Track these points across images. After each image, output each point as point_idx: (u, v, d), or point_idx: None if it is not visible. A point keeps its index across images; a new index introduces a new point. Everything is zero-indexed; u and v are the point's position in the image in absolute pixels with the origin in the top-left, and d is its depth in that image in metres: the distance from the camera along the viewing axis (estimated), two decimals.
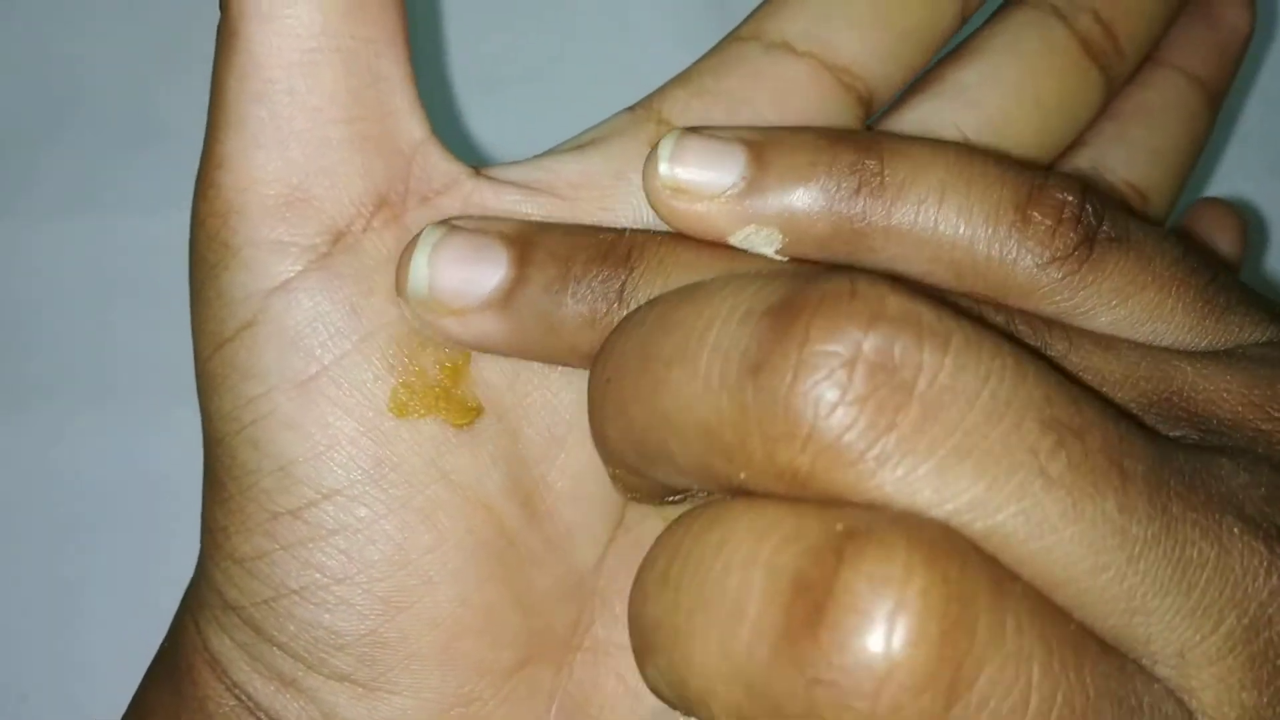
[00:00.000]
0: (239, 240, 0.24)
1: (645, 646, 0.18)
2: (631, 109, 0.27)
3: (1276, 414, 0.21)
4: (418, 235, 0.24)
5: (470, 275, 0.24)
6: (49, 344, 0.40)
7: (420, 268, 0.24)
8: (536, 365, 0.25)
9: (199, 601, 0.26)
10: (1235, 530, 0.18)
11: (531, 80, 0.41)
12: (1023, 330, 0.23)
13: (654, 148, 0.24)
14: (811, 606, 0.16)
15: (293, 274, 0.24)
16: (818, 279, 0.18)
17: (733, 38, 0.27)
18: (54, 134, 0.41)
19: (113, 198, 0.40)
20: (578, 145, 0.26)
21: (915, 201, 0.23)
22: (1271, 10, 0.43)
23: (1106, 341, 0.23)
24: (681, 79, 0.27)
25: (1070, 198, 0.23)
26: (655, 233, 0.25)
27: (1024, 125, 0.28)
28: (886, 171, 0.24)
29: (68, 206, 0.41)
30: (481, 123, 0.41)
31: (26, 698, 0.37)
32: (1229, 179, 0.42)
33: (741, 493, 0.18)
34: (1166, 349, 0.23)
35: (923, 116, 0.28)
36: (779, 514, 0.17)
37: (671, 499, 0.22)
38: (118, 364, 0.40)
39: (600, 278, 0.24)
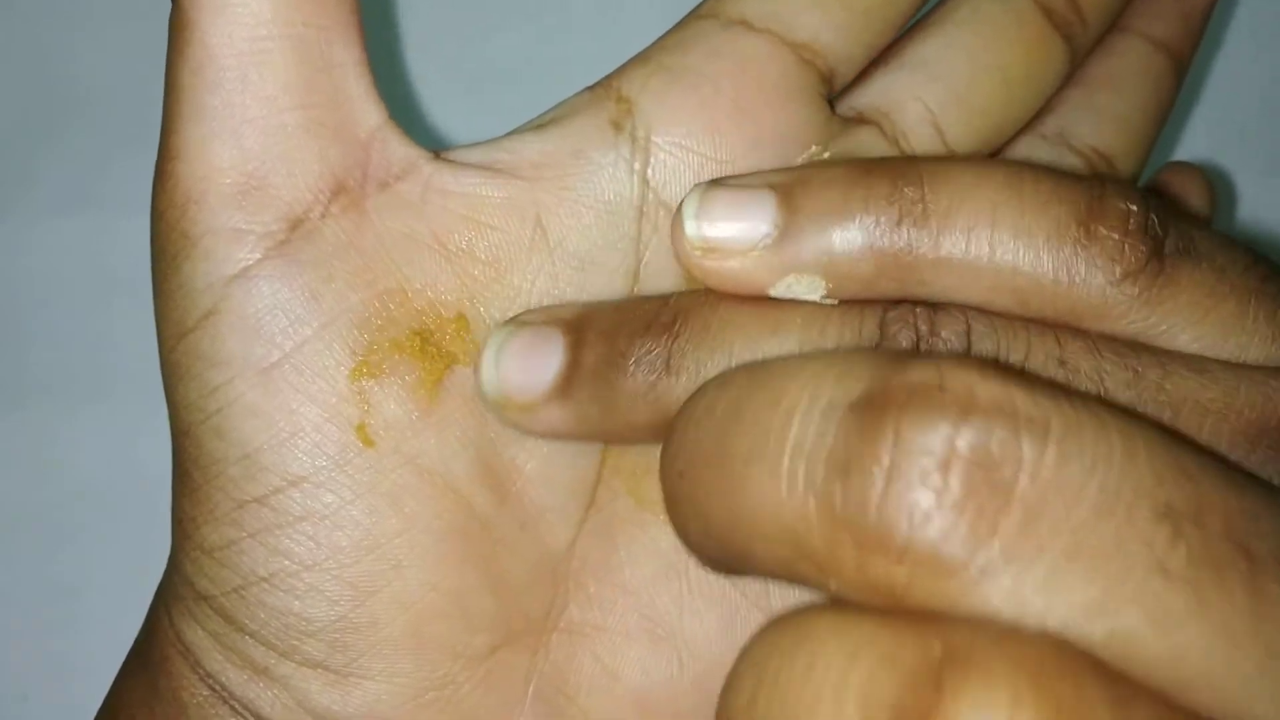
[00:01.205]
0: (198, 230, 0.24)
1: None
2: (591, 88, 0.27)
3: None
4: (489, 337, 0.25)
5: (533, 368, 0.24)
6: (48, 343, 0.40)
7: (490, 369, 0.24)
8: None
9: (171, 593, 0.26)
10: None
11: (510, 81, 0.41)
12: (1110, 359, 0.21)
13: (679, 206, 0.24)
14: None
15: (252, 261, 0.24)
16: (903, 366, 0.17)
17: (692, 15, 0.27)
18: (54, 134, 0.41)
19: (112, 197, 0.41)
20: (537, 125, 0.26)
21: (964, 228, 0.22)
22: None
23: (1199, 364, 0.22)
24: (640, 57, 0.27)
25: (1134, 206, 0.22)
26: (699, 293, 0.24)
27: (988, 96, 0.28)
28: (929, 198, 0.23)
29: (67, 206, 0.41)
30: (458, 125, 0.41)
31: (26, 698, 0.38)
32: (1195, 144, 0.42)
33: (833, 599, 0.17)
34: (1260, 368, 0.22)
35: (884, 89, 0.28)
36: (873, 632, 0.16)
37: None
38: (117, 363, 0.40)
39: (645, 349, 0.24)
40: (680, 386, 0.23)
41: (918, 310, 0.23)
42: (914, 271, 0.23)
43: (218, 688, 0.25)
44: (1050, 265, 0.22)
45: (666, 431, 0.20)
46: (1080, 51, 0.29)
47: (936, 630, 0.15)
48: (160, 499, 0.38)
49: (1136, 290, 0.22)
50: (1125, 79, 0.31)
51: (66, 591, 0.38)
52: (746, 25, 0.26)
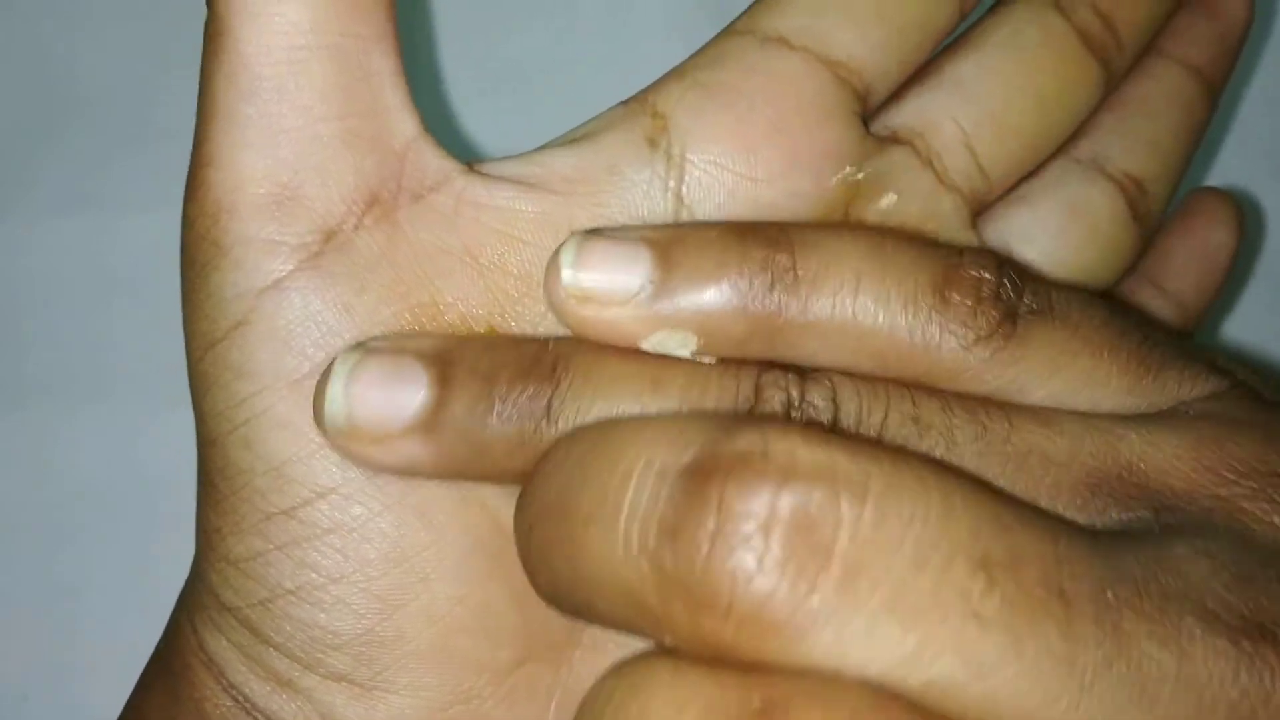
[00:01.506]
0: (229, 239, 0.24)
1: None
2: (625, 103, 0.27)
3: (1230, 477, 0.21)
4: (331, 362, 0.23)
5: (390, 399, 0.23)
6: (48, 343, 0.40)
7: (337, 396, 0.23)
8: None
9: (195, 603, 0.26)
10: (1196, 633, 0.17)
11: (528, 80, 0.41)
12: (960, 415, 0.22)
13: (555, 253, 0.24)
14: None
15: (284, 273, 0.24)
16: (731, 433, 0.17)
17: (728, 32, 0.27)
18: (54, 134, 0.41)
19: (112, 197, 0.40)
20: (571, 140, 0.26)
21: (831, 294, 0.23)
22: (1271, 1, 0.43)
23: (1047, 416, 0.22)
24: (676, 73, 0.27)
25: (986, 275, 0.23)
26: (579, 341, 0.24)
27: (1022, 118, 0.28)
28: (799, 265, 0.23)
29: (67, 206, 0.40)
30: (478, 123, 0.41)
31: (27, 698, 0.37)
32: (1227, 171, 0.42)
33: (670, 650, 0.18)
34: (1109, 416, 0.22)
35: (919, 109, 0.28)
36: (700, 684, 0.17)
37: None
38: (117, 363, 0.40)
39: (527, 394, 0.23)
40: (557, 434, 0.23)
41: (790, 375, 0.23)
42: (783, 335, 0.23)
43: (241, 699, 0.25)
44: (907, 330, 0.23)
45: (519, 494, 0.21)
46: (1115, 75, 0.30)
47: (760, 682, 0.16)
48: (160, 499, 0.38)
49: (988, 353, 0.23)
50: (1159, 103, 0.31)
51: (66, 591, 0.38)
52: (783, 42, 0.26)
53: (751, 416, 0.22)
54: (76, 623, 0.38)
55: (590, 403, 0.23)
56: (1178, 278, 0.34)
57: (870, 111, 0.27)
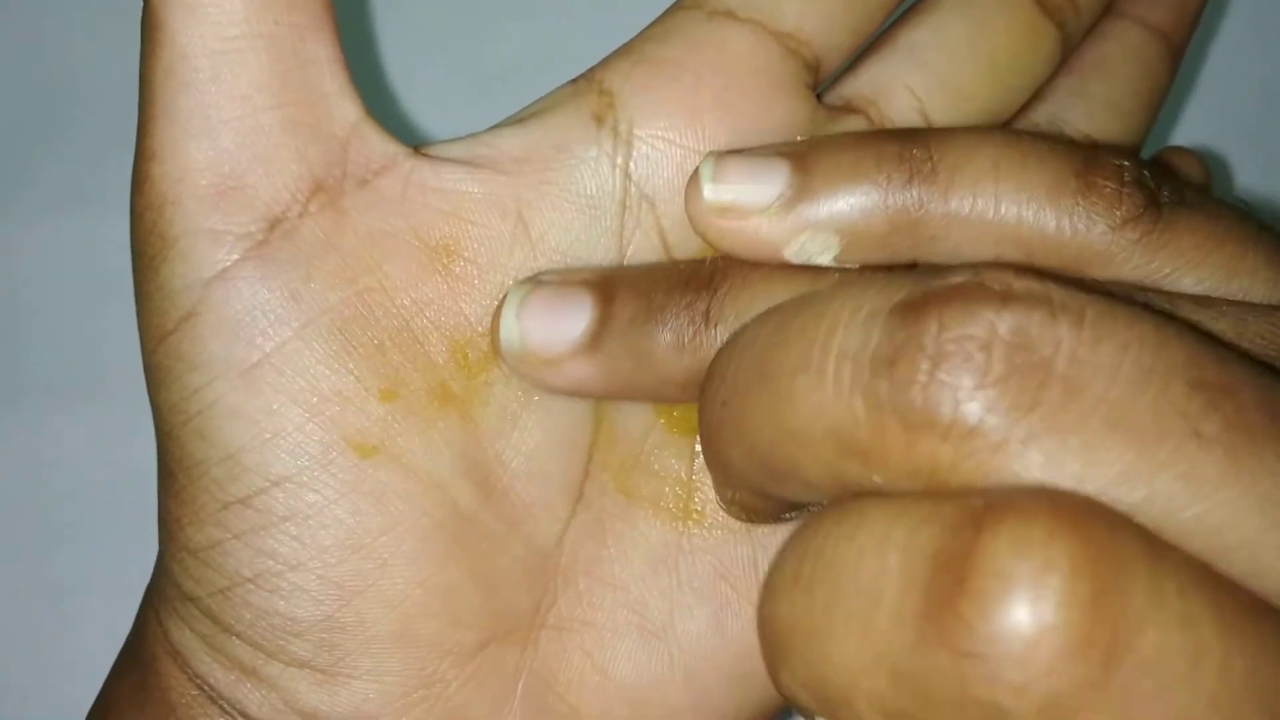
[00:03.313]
0: (175, 231, 0.24)
1: (779, 652, 0.17)
2: (573, 81, 0.27)
3: None
4: (505, 294, 0.25)
5: (558, 323, 0.24)
6: (45, 342, 0.40)
7: (510, 324, 0.24)
8: None
9: (159, 594, 0.26)
10: None
11: (483, 71, 0.41)
12: (1120, 297, 0.22)
13: (695, 172, 0.24)
14: (952, 580, 0.15)
15: (230, 262, 0.24)
16: (942, 272, 0.17)
17: (675, 7, 0.27)
18: (52, 133, 0.41)
19: (110, 197, 0.40)
20: (519, 120, 0.26)
21: (970, 183, 0.23)
22: None
23: (1205, 301, 0.22)
24: (623, 49, 0.27)
25: (1127, 162, 0.23)
26: (733, 258, 0.25)
27: (978, 83, 0.28)
28: (935, 156, 0.23)
29: (66, 205, 0.41)
30: (431, 116, 0.41)
31: (27, 698, 0.38)
32: (1191, 130, 0.41)
33: (875, 495, 0.17)
34: (1266, 305, 0.22)
35: (872, 77, 0.27)
36: (915, 501, 0.16)
37: (789, 515, 0.22)
38: (114, 363, 0.40)
39: (684, 304, 0.24)
40: (719, 339, 0.23)
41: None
42: (925, 228, 0.23)
43: (206, 688, 0.25)
44: (1053, 216, 0.23)
45: (705, 373, 0.20)
46: (1073, 38, 0.29)
47: (980, 493, 0.16)
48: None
49: (1137, 235, 0.23)
50: (1119, 65, 0.31)
51: (66, 591, 0.38)
52: (730, 15, 0.26)
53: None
54: (76, 623, 0.38)
55: (749, 305, 0.23)
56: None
57: (822, 82, 0.27)
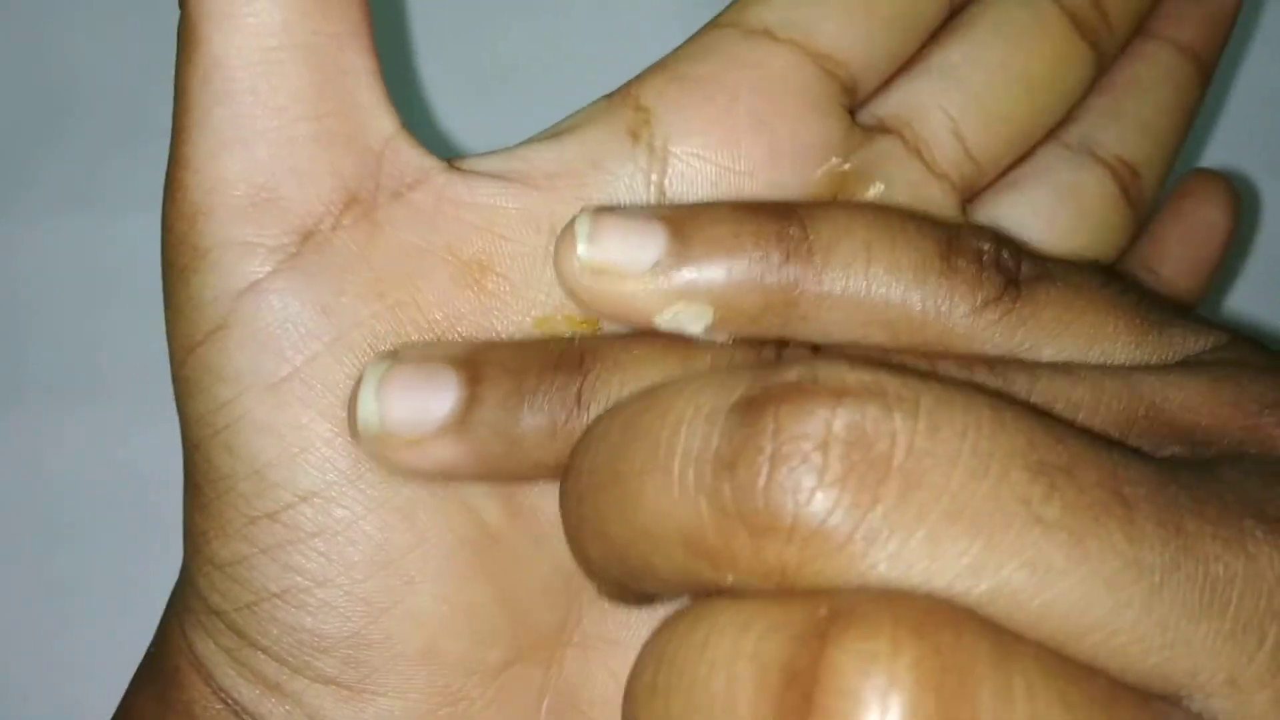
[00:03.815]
0: (207, 242, 0.23)
1: None
2: (608, 96, 0.26)
3: (1254, 409, 0.20)
4: (362, 373, 0.24)
5: (421, 403, 0.23)
6: (46, 342, 0.40)
7: (369, 403, 0.23)
8: None
9: (183, 606, 0.26)
10: (1259, 534, 0.17)
11: (516, 82, 0.41)
12: (980, 372, 0.22)
13: (566, 228, 0.24)
14: (800, 698, 0.15)
15: (262, 275, 0.23)
16: (778, 368, 0.17)
17: (712, 24, 0.27)
18: (53, 133, 0.41)
19: (110, 197, 0.40)
20: (553, 134, 0.26)
21: (843, 264, 0.23)
22: None
23: (1065, 368, 0.22)
24: (659, 65, 0.26)
25: (985, 245, 0.23)
26: (604, 336, 0.24)
27: (1012, 103, 0.28)
28: (811, 236, 0.23)
29: (65, 205, 0.40)
30: (465, 127, 0.41)
31: (27, 698, 0.37)
32: (1220, 150, 0.41)
33: (727, 594, 0.17)
34: (1123, 367, 0.22)
35: (906, 97, 0.27)
36: (763, 606, 0.16)
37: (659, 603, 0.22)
38: (115, 363, 0.40)
39: (556, 385, 0.23)
40: (589, 421, 0.23)
41: (807, 351, 0.24)
42: (797, 307, 0.23)
43: (230, 702, 0.25)
44: (918, 298, 0.23)
45: (565, 466, 0.20)
46: (1106, 58, 0.29)
47: (824, 598, 0.16)
48: (159, 498, 0.38)
49: (997, 315, 0.23)
50: (1150, 85, 0.31)
51: (66, 591, 0.38)
52: (768, 34, 0.26)
53: (792, 356, 0.23)
54: (76, 623, 0.38)
55: (620, 387, 0.23)
56: (1172, 261, 0.33)
57: (858, 103, 0.27)
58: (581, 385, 0.23)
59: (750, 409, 0.17)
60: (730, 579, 0.17)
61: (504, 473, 0.24)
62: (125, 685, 0.27)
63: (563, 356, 0.24)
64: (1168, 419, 0.21)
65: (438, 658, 0.24)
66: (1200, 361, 0.22)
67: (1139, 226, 0.31)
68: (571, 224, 0.24)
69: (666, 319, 0.23)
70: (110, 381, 0.39)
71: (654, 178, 0.25)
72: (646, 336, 0.24)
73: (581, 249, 0.23)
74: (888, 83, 0.28)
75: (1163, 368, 0.22)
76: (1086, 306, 0.23)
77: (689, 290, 0.23)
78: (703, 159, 0.25)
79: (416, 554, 0.24)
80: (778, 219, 0.23)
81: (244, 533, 0.24)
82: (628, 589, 0.20)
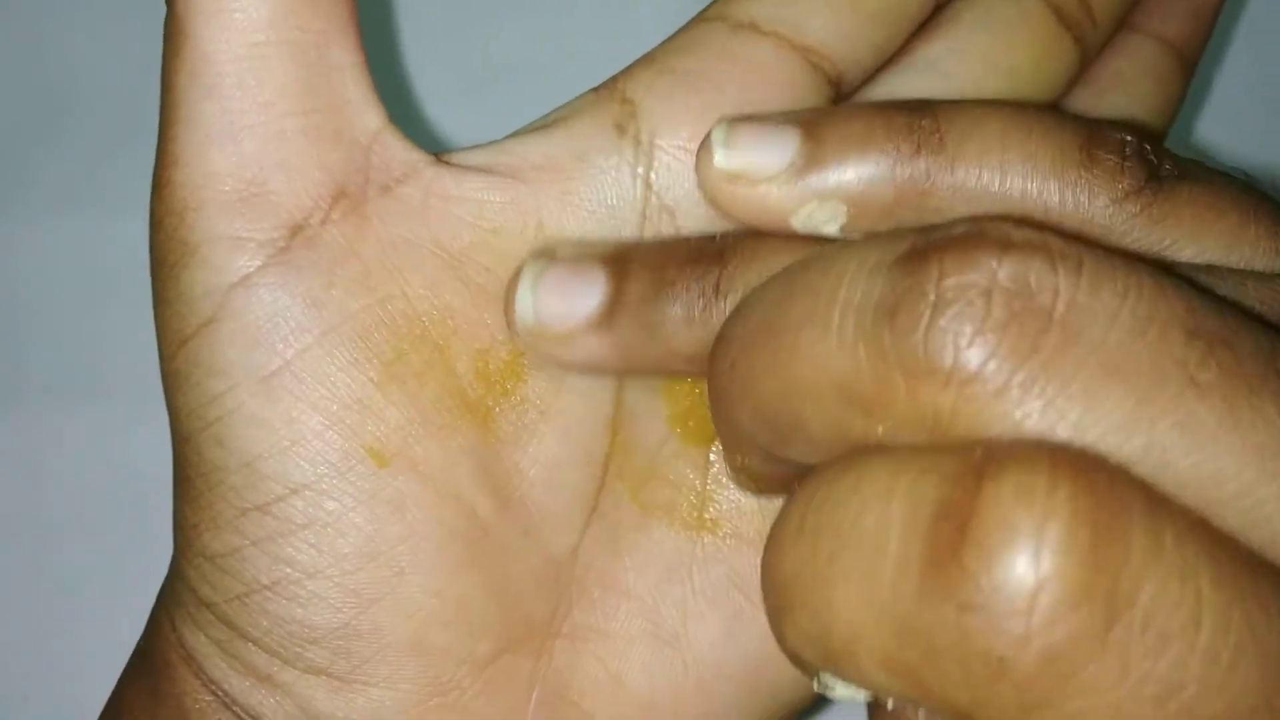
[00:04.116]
0: (197, 237, 0.24)
1: (782, 605, 0.17)
2: (595, 89, 0.26)
3: None
4: (520, 268, 0.25)
5: (572, 299, 0.24)
6: (46, 343, 0.40)
7: (525, 299, 0.25)
8: None
9: (174, 598, 0.26)
10: None
11: (501, 74, 0.41)
12: None
13: (705, 138, 0.24)
14: (954, 530, 0.15)
15: (252, 269, 0.24)
16: (943, 226, 0.17)
17: (699, 18, 0.27)
18: (53, 133, 0.41)
19: (110, 197, 0.40)
20: (541, 127, 0.26)
21: (977, 154, 0.23)
22: None
23: (1206, 269, 0.22)
24: (646, 59, 0.27)
25: (1129, 136, 0.23)
26: (746, 232, 0.25)
27: (996, 97, 0.28)
28: (943, 128, 0.23)
29: (65, 205, 0.40)
30: (450, 120, 0.41)
31: (27, 698, 0.38)
32: (1203, 143, 0.41)
33: (879, 449, 0.17)
34: (1267, 273, 0.22)
35: (891, 91, 0.27)
36: (917, 454, 0.16)
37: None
38: (115, 363, 0.39)
39: (694, 277, 0.24)
40: (727, 309, 0.24)
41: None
42: (931, 199, 0.23)
43: (221, 694, 0.25)
44: (1057, 189, 0.23)
45: (715, 339, 0.20)
46: (1090, 52, 0.29)
47: (980, 445, 0.16)
48: (159, 498, 0.38)
49: (1138, 208, 0.23)
50: (1134, 79, 0.31)
51: (66, 591, 0.38)
52: (754, 28, 0.26)
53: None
54: (76, 623, 0.38)
55: (758, 277, 0.23)
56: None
57: (843, 97, 0.27)
58: (720, 276, 0.24)
59: (915, 258, 0.17)
60: (882, 430, 0.17)
61: (649, 362, 0.25)
62: None
63: (703, 251, 0.24)
64: None
65: (428, 648, 0.25)
66: None
67: None
68: (709, 135, 0.24)
69: (801, 219, 0.24)
70: (110, 381, 0.39)
71: (640, 171, 0.25)
72: (785, 236, 0.24)
73: (719, 156, 0.24)
74: (873, 76, 0.28)
75: None
76: (1229, 208, 0.23)
77: (823, 189, 0.23)
78: (689, 151, 0.25)
79: (406, 546, 0.24)
80: (910, 113, 0.24)
81: (235, 525, 0.24)
82: (768, 463, 0.20)
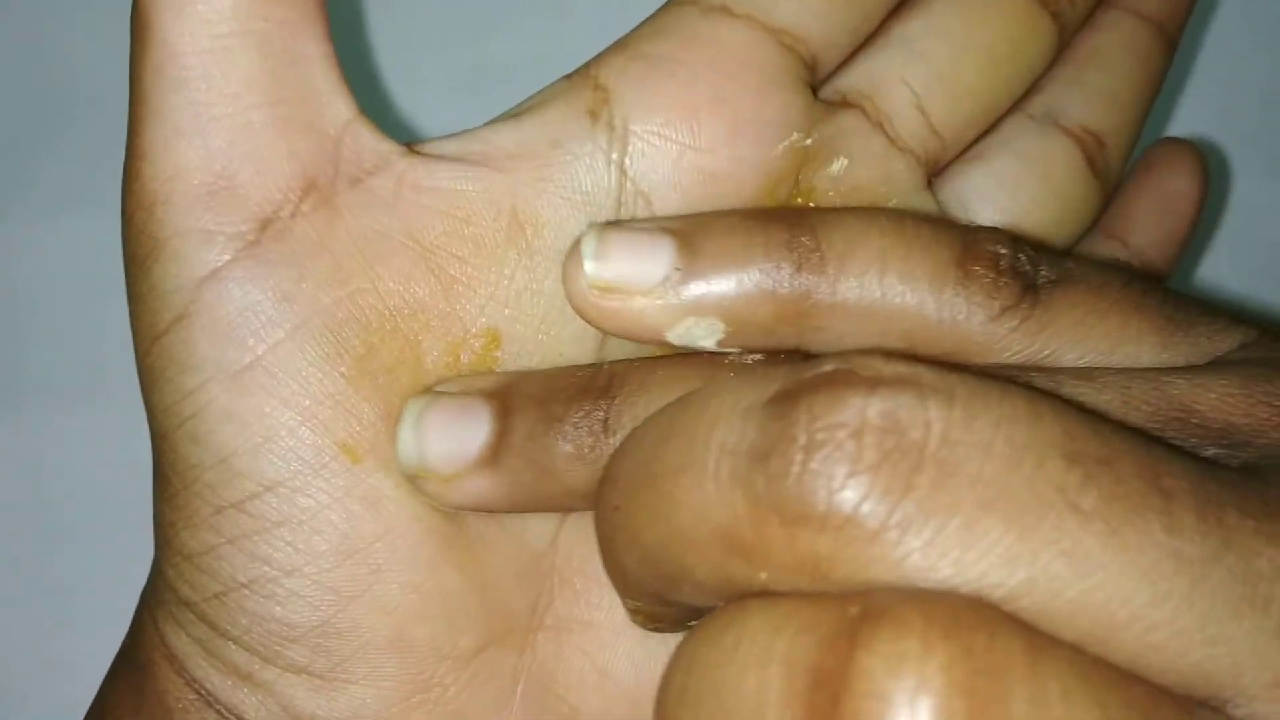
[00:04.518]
0: (166, 231, 0.23)
1: None
2: (568, 76, 0.26)
3: None
4: (404, 407, 0.24)
5: (457, 438, 0.24)
6: (46, 343, 0.40)
7: (407, 440, 0.24)
8: None
9: (155, 597, 0.26)
10: None
11: (476, 68, 0.41)
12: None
13: (573, 247, 0.24)
14: (828, 703, 0.15)
15: (221, 263, 0.23)
16: (813, 363, 0.17)
17: (671, 3, 0.27)
18: (53, 133, 0.41)
19: (111, 197, 0.40)
20: (514, 115, 0.26)
21: (858, 273, 0.23)
22: None
23: (1088, 374, 0.21)
24: (618, 44, 0.26)
25: (1002, 249, 0.23)
26: (631, 361, 0.24)
27: (974, 76, 0.27)
28: (823, 245, 0.23)
29: (66, 205, 0.41)
30: (425, 114, 0.41)
31: (27, 698, 0.38)
32: (1188, 120, 0.41)
33: (762, 595, 0.17)
34: (1149, 369, 0.21)
35: (867, 71, 0.27)
36: (796, 607, 0.16)
37: (693, 623, 0.21)
38: (115, 363, 0.39)
39: (582, 412, 0.23)
40: (616, 445, 0.23)
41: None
42: (811, 318, 0.23)
43: (203, 692, 0.25)
44: (934, 307, 0.23)
45: (600, 480, 0.20)
46: (1069, 29, 0.29)
47: (855, 597, 0.16)
48: None
49: (1016, 321, 0.23)
50: (1114, 55, 0.31)
51: (66, 591, 0.38)
52: (726, 11, 0.26)
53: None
54: (76, 623, 0.38)
55: (646, 409, 0.23)
56: (1141, 231, 0.33)
57: (819, 79, 0.27)
58: (608, 410, 0.23)
59: (785, 400, 0.17)
60: (764, 576, 0.17)
61: (539, 501, 0.24)
62: None
63: (589, 382, 0.24)
64: (1201, 420, 0.20)
65: (408, 645, 0.24)
66: (1230, 360, 0.22)
67: (1107, 197, 0.31)
68: (578, 242, 0.24)
69: (678, 334, 0.23)
70: (110, 381, 0.39)
71: (614, 156, 0.25)
72: (672, 359, 0.24)
73: (589, 267, 0.23)
74: (849, 58, 0.27)
75: (1192, 369, 0.21)
76: (1109, 309, 0.23)
77: (700, 305, 0.23)
78: (663, 137, 0.25)
79: (383, 543, 0.24)
80: (788, 227, 0.23)
81: (211, 523, 0.24)
82: (660, 606, 0.20)
